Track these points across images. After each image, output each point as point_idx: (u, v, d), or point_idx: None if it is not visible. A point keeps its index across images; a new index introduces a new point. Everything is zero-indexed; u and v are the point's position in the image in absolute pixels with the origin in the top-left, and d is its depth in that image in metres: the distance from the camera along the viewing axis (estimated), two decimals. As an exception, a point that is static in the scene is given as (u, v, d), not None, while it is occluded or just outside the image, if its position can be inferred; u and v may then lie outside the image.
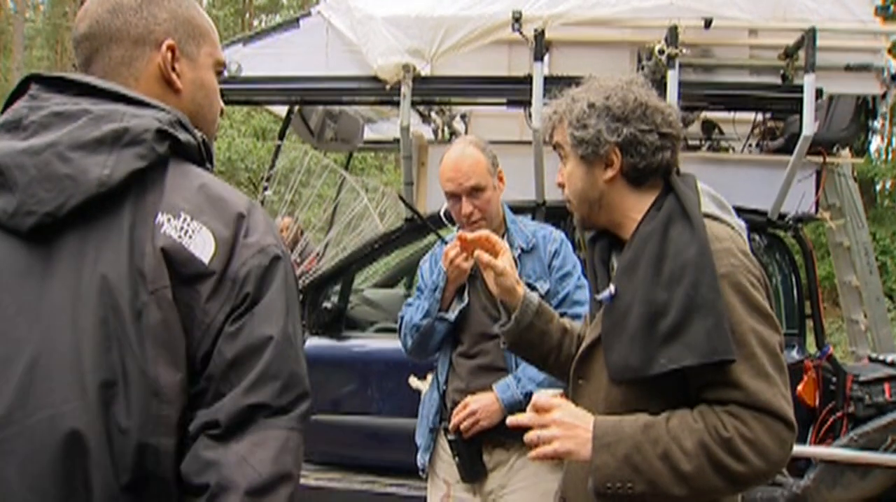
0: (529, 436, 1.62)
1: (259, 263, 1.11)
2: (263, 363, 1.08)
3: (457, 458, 2.60)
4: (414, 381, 2.98)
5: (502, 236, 2.67)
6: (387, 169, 17.28)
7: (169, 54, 1.26)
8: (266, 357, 1.08)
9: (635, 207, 1.69)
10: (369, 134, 6.10)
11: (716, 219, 1.64)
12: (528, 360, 2.08)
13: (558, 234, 2.74)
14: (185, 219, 1.09)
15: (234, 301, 1.09)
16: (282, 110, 5.38)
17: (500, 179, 2.68)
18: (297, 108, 5.06)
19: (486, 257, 1.91)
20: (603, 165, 1.68)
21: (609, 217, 1.72)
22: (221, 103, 1.38)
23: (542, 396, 1.63)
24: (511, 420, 1.66)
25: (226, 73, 4.56)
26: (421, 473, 2.79)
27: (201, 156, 1.21)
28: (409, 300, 2.81)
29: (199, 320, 1.08)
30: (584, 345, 1.78)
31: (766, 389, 1.49)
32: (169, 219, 1.09)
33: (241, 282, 1.10)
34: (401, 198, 3.72)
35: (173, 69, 1.26)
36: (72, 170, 1.08)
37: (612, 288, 1.66)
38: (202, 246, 1.09)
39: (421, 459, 2.76)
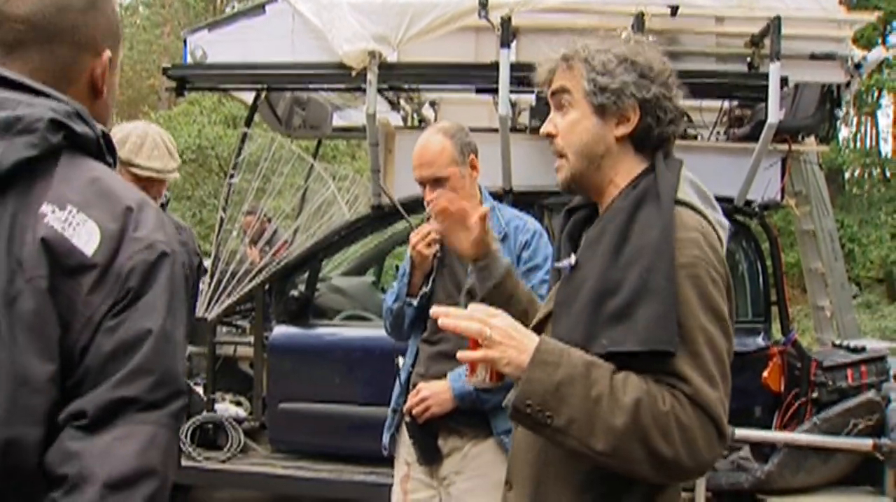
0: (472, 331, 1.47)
1: (145, 258, 1.10)
2: (140, 356, 1.06)
3: (412, 440, 2.61)
4: (400, 361, 2.99)
5: None
6: (359, 156, 17.18)
7: (108, 64, 1.26)
8: (143, 350, 1.07)
9: (625, 174, 1.62)
10: (338, 121, 6.06)
11: (691, 208, 1.56)
12: None
13: (533, 225, 2.66)
14: (70, 211, 1.08)
15: (116, 295, 1.07)
16: (248, 97, 5.32)
17: (473, 167, 2.63)
18: (263, 94, 5.01)
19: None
20: (616, 121, 1.60)
21: (601, 178, 1.63)
22: None
23: (481, 308, 1.55)
24: (461, 355, 1.50)
25: (189, 60, 4.50)
26: (383, 450, 2.80)
27: (100, 149, 1.19)
28: (394, 284, 2.81)
29: (80, 313, 1.06)
30: (536, 318, 1.73)
31: (710, 391, 1.42)
32: (53, 211, 1.08)
33: (126, 277, 1.08)
34: (379, 186, 3.70)
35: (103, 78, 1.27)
36: None
37: (572, 258, 1.61)
38: (86, 238, 1.07)
39: (385, 437, 2.78)
